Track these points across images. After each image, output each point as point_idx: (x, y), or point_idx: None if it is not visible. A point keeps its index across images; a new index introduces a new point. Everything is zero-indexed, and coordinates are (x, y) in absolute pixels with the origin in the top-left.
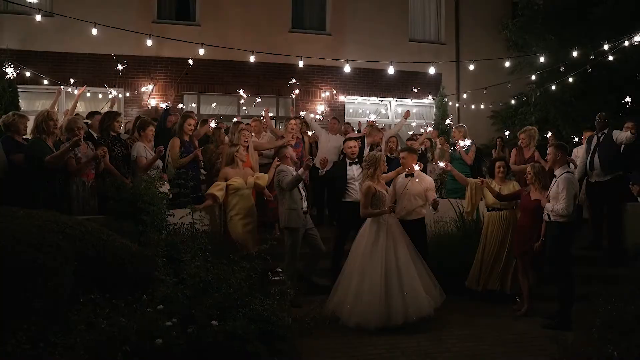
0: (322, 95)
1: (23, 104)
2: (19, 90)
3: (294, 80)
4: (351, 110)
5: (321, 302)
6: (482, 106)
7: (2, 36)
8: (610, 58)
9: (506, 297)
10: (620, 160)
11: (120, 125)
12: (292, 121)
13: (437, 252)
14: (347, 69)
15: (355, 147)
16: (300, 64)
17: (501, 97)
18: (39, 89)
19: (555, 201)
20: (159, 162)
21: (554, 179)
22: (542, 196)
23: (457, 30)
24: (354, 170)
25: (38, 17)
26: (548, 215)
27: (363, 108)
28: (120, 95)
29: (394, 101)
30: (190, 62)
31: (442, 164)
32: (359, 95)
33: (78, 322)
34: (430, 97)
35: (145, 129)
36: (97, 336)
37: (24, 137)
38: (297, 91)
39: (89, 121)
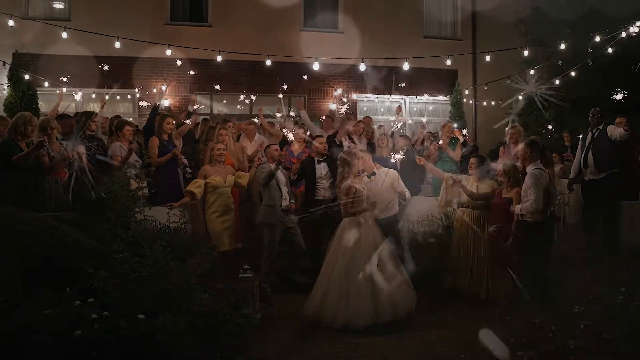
0: (335, 93)
1: (42, 106)
2: (38, 92)
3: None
4: (365, 109)
5: (294, 300)
6: (492, 102)
7: (21, 41)
8: (610, 50)
9: (486, 300)
10: (615, 157)
11: (97, 125)
12: (300, 130)
13: (417, 251)
14: (316, 66)
15: (323, 143)
16: (316, 65)
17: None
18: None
19: (526, 199)
20: (134, 160)
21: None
22: (512, 194)
23: (474, 25)
24: (321, 169)
25: (11, 23)
26: (520, 214)
27: (376, 106)
28: (129, 96)
29: (407, 99)
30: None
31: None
32: (372, 94)
33: None
34: (443, 94)
35: (122, 129)
36: (5, 327)
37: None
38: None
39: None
